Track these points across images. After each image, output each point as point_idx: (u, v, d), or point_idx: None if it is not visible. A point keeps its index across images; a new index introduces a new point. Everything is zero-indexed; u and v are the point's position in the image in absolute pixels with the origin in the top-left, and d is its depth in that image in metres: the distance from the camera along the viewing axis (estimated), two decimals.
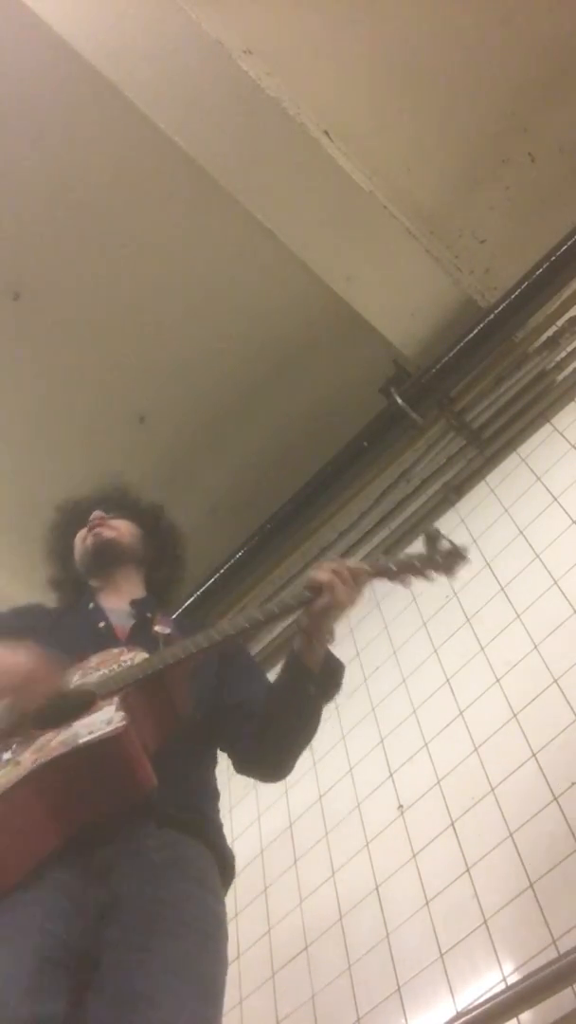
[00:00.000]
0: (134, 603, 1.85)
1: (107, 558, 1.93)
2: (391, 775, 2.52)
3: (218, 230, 2.83)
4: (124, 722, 1.35)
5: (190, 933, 1.35)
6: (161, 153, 2.64)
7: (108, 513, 2.01)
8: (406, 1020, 2.02)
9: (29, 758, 1.34)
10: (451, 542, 1.68)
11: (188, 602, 3.26)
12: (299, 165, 2.72)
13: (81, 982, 1.24)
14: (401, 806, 2.42)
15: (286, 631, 3.38)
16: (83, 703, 1.42)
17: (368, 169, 2.91)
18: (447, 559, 1.66)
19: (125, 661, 1.53)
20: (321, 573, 1.56)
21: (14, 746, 1.38)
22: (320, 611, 1.55)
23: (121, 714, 1.36)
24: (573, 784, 2.00)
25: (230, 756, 1.70)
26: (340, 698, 2.90)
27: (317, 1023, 2.23)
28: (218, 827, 1.59)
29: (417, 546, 1.71)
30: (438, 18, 2.78)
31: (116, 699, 1.40)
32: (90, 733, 1.34)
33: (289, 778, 2.83)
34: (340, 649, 3.08)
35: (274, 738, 1.63)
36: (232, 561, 3.25)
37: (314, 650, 1.59)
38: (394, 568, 1.64)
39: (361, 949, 2.24)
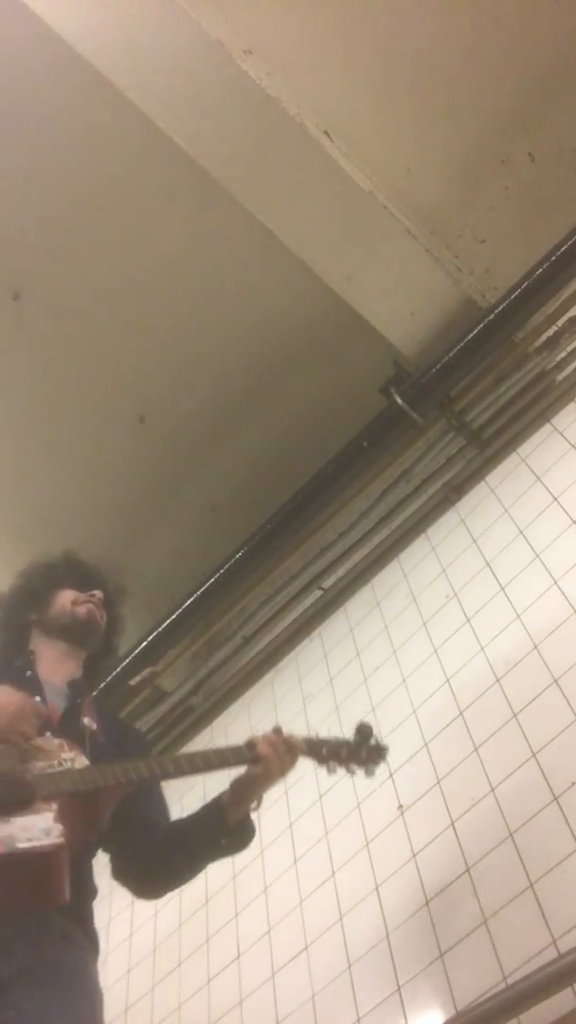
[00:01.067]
0: (72, 684, 1.85)
1: (87, 637, 1.97)
2: (391, 775, 2.52)
3: (218, 230, 2.83)
4: (62, 839, 1.38)
5: (74, 991, 1.41)
6: (161, 153, 2.64)
7: (105, 601, 2.03)
8: (406, 1020, 2.02)
9: None
10: (378, 741, 1.81)
11: (188, 602, 3.27)
12: (299, 165, 2.72)
13: None
14: (401, 806, 2.42)
15: (283, 633, 3.39)
16: (24, 796, 1.44)
17: (368, 169, 2.91)
18: (370, 756, 1.79)
19: (66, 761, 1.54)
20: (263, 745, 1.67)
21: None
22: (254, 779, 1.67)
23: (60, 828, 1.39)
24: (573, 784, 1.99)
25: (112, 863, 1.75)
26: (340, 698, 2.93)
27: (317, 1023, 2.23)
28: (90, 909, 1.63)
29: (348, 732, 1.82)
30: (438, 18, 2.78)
31: (55, 807, 1.43)
32: (28, 840, 1.36)
33: (289, 778, 2.84)
34: (340, 649, 3.11)
35: (165, 868, 1.72)
36: (232, 561, 3.25)
37: (240, 809, 1.69)
38: (324, 753, 1.75)
39: (361, 949, 2.24)
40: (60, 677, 1.85)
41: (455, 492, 3.09)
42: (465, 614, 2.66)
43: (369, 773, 1.79)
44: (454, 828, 2.22)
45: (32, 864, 1.37)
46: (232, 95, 2.61)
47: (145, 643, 3.29)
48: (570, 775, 2.01)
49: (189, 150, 2.63)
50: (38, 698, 1.74)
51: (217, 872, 2.83)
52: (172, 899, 2.80)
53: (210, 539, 3.34)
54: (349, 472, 3.15)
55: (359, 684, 2.88)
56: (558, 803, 2.00)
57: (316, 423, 3.23)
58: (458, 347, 2.94)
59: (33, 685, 1.77)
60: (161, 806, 1.80)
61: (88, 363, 3.12)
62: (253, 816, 1.74)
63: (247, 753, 1.66)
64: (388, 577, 3.15)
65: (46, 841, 1.37)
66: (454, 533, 2.98)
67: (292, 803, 2.79)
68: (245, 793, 1.69)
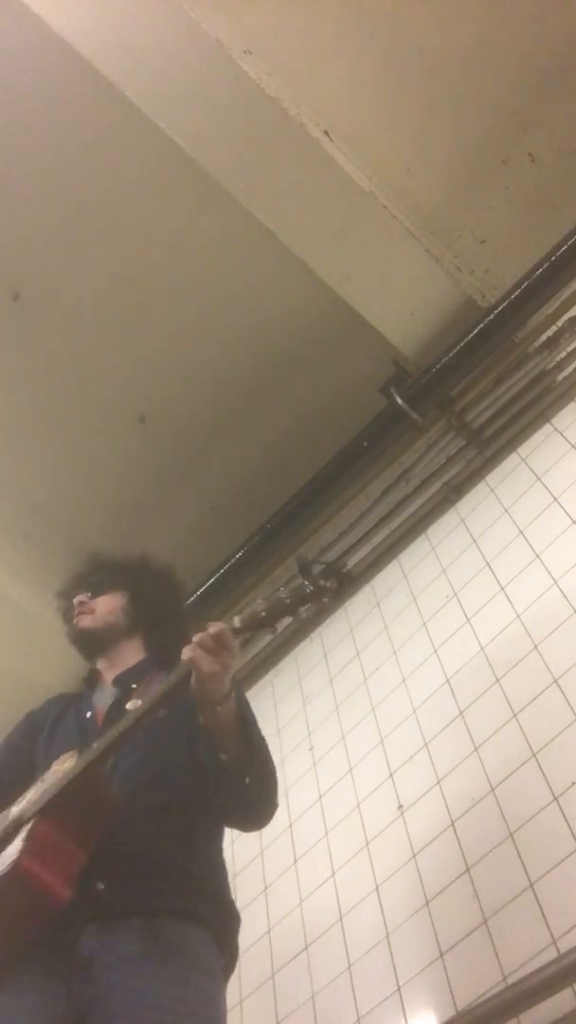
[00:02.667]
0: (117, 679, 1.85)
1: (90, 646, 1.95)
2: (391, 775, 2.52)
3: (218, 230, 2.83)
4: (16, 855, 1.38)
5: (171, 1017, 1.35)
6: (161, 153, 2.64)
7: (91, 593, 1.98)
8: (406, 1020, 2.02)
9: None
10: (323, 563, 1.59)
11: (188, 603, 3.27)
12: (299, 165, 2.72)
13: None
14: (401, 806, 2.42)
15: (283, 632, 3.38)
16: (11, 831, 1.45)
17: (368, 169, 2.91)
18: (319, 586, 1.54)
19: (56, 774, 1.55)
20: (185, 650, 1.53)
21: None
22: (197, 686, 1.51)
23: (19, 845, 1.40)
24: (573, 784, 2.00)
25: (213, 812, 1.69)
26: (340, 698, 2.93)
27: (317, 1023, 2.23)
28: (208, 898, 1.57)
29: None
30: (438, 18, 2.78)
31: (31, 824, 1.43)
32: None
33: (289, 778, 2.85)
34: (340, 649, 3.11)
35: (233, 805, 1.64)
36: (232, 561, 3.25)
37: (216, 719, 1.54)
38: (264, 614, 1.55)
39: (361, 949, 2.24)
40: (109, 677, 1.89)
41: (455, 492, 3.09)
42: (465, 614, 2.66)
43: (321, 605, 1.56)
44: (454, 828, 2.22)
45: (7, 889, 1.38)
46: (232, 95, 2.61)
47: None
48: (570, 775, 2.01)
49: (189, 150, 2.63)
50: (89, 713, 1.79)
51: None
52: None
53: (210, 539, 3.34)
54: (349, 472, 3.15)
55: (359, 684, 2.88)
56: (558, 803, 2.00)
57: (316, 423, 3.23)
58: (458, 347, 2.94)
59: (87, 701, 1.85)
60: (195, 745, 1.68)
61: (88, 363, 3.12)
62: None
63: (183, 668, 1.53)
64: (388, 577, 3.15)
65: (3, 869, 1.39)
66: (454, 533, 2.98)
67: (292, 803, 2.79)
68: (202, 703, 1.54)
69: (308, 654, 3.28)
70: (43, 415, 3.21)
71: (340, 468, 3.14)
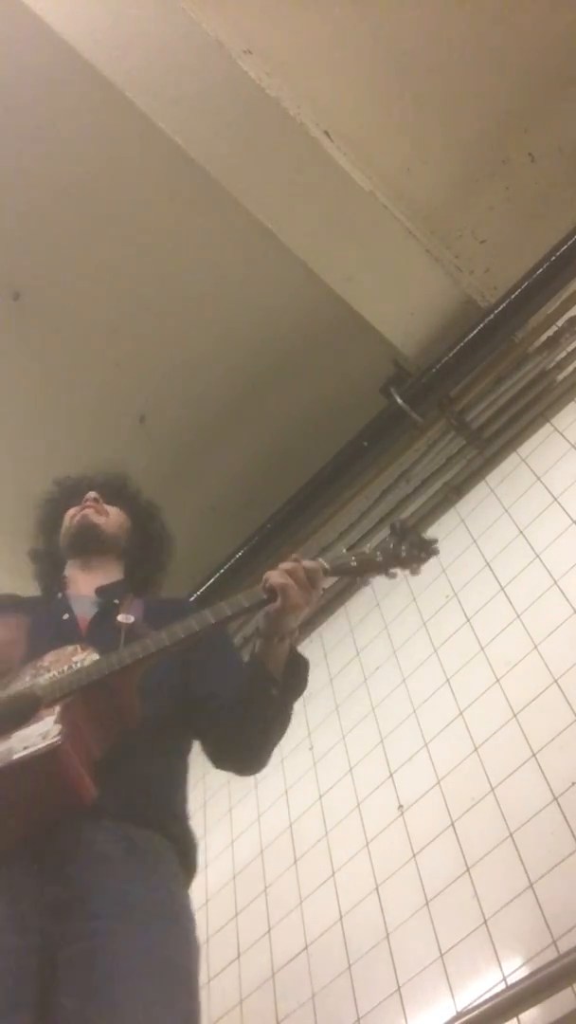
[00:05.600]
0: (100, 590, 1.81)
1: (88, 541, 1.91)
2: (391, 775, 2.52)
3: (218, 230, 2.83)
4: (59, 737, 1.31)
5: (152, 920, 1.33)
6: (161, 153, 2.64)
7: (104, 498, 1.99)
8: (406, 1020, 2.02)
9: None
10: (419, 535, 1.58)
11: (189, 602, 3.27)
12: (299, 165, 2.72)
13: (44, 980, 1.23)
14: (401, 806, 2.42)
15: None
16: (26, 709, 1.39)
17: (368, 169, 2.91)
18: (412, 552, 1.55)
19: (76, 662, 1.49)
20: (275, 575, 1.50)
21: None
22: (275, 614, 1.50)
23: (58, 727, 1.33)
24: (573, 784, 2.00)
25: (205, 750, 1.67)
26: (340, 698, 2.93)
27: (317, 1023, 2.23)
28: (177, 816, 1.56)
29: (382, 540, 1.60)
30: (438, 18, 2.78)
31: (57, 709, 1.37)
32: (24, 748, 1.31)
33: (289, 778, 2.85)
34: (340, 649, 3.11)
35: (242, 738, 1.60)
36: (232, 561, 3.25)
37: (274, 652, 1.54)
38: (354, 564, 1.55)
39: (361, 949, 2.24)
40: (89, 588, 1.83)
41: (455, 492, 3.09)
42: (465, 614, 2.66)
43: (414, 572, 1.55)
44: (454, 828, 2.22)
45: (34, 770, 1.31)
46: (232, 95, 2.61)
47: None
48: (570, 775, 2.01)
49: (189, 150, 2.63)
50: (67, 615, 1.73)
51: (217, 872, 2.84)
52: None
53: (210, 539, 3.34)
54: (349, 472, 3.15)
55: (359, 684, 2.88)
56: (558, 803, 2.00)
57: (316, 423, 3.23)
58: (458, 347, 2.94)
59: (62, 604, 1.78)
60: (223, 673, 1.68)
61: (88, 363, 3.12)
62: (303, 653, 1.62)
63: (262, 592, 1.50)
64: None
65: (42, 744, 1.31)
66: (454, 533, 2.98)
67: (292, 803, 2.80)
68: (272, 634, 1.53)
69: (308, 654, 3.26)
70: (43, 415, 3.21)
71: (340, 468, 3.14)
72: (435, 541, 1.58)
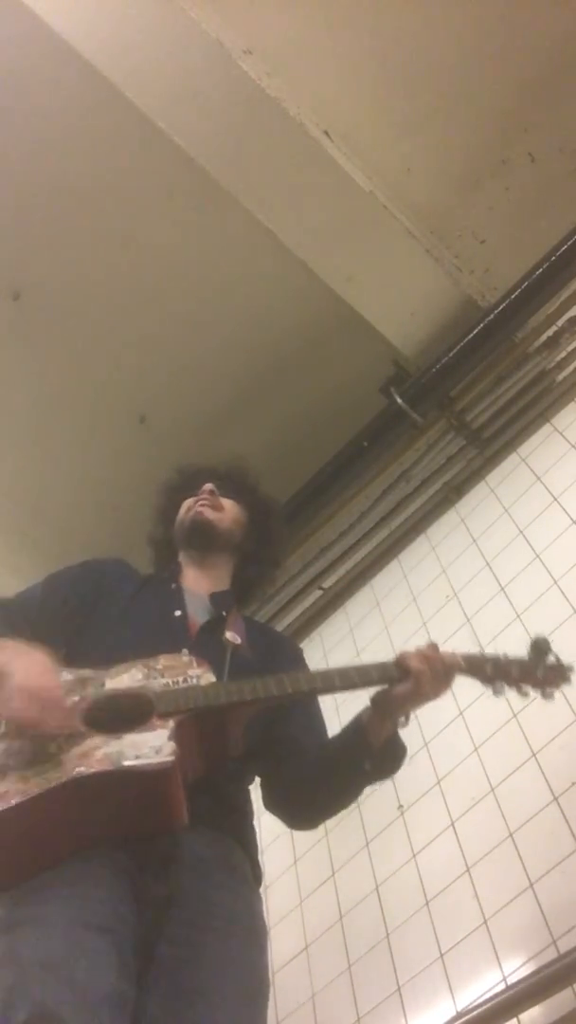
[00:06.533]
0: (214, 596, 1.77)
1: (202, 538, 1.85)
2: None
3: (218, 230, 2.83)
4: (173, 757, 1.28)
5: (239, 930, 1.35)
6: (161, 153, 2.64)
7: (221, 491, 1.92)
8: (406, 1020, 2.02)
9: (73, 761, 1.29)
10: (558, 658, 1.51)
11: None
12: (299, 165, 2.72)
13: (138, 972, 1.23)
14: (401, 806, 2.42)
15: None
16: (140, 712, 1.36)
17: (368, 169, 2.91)
18: (548, 676, 1.50)
19: (192, 677, 1.45)
20: (414, 659, 1.46)
21: (60, 738, 1.32)
22: (402, 697, 1.47)
23: (172, 746, 1.30)
24: (573, 784, 2.00)
25: (262, 788, 1.64)
26: (340, 697, 2.92)
27: (317, 1023, 2.23)
28: (253, 838, 1.57)
29: (521, 653, 1.55)
30: (438, 18, 2.78)
31: (172, 724, 1.34)
32: (136, 757, 1.28)
33: None
34: (340, 649, 3.10)
35: (312, 795, 1.59)
36: None
37: (381, 728, 1.51)
38: (489, 672, 1.50)
39: (361, 949, 2.24)
40: (203, 588, 1.78)
41: (455, 492, 3.09)
42: (465, 614, 2.66)
43: (547, 696, 1.50)
44: (454, 828, 2.22)
45: (138, 783, 1.28)
46: (232, 95, 2.61)
47: None
48: (570, 775, 2.01)
49: (189, 150, 2.63)
50: (179, 612, 1.69)
51: None
52: None
53: None
54: (349, 472, 3.15)
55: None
56: (558, 803, 2.00)
57: (316, 423, 3.23)
58: (458, 347, 2.94)
59: (176, 596, 1.73)
60: (316, 729, 1.66)
61: (88, 363, 3.12)
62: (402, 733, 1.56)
63: (394, 670, 1.47)
64: (388, 577, 3.15)
65: (154, 760, 1.27)
66: (454, 533, 2.98)
67: None
68: (389, 711, 1.48)
69: (308, 654, 3.24)
70: (43, 415, 3.21)
71: (340, 468, 3.14)
72: (572, 668, 1.52)
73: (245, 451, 3.31)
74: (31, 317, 2.98)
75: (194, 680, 1.45)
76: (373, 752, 1.50)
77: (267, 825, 2.82)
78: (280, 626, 3.37)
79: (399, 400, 2.99)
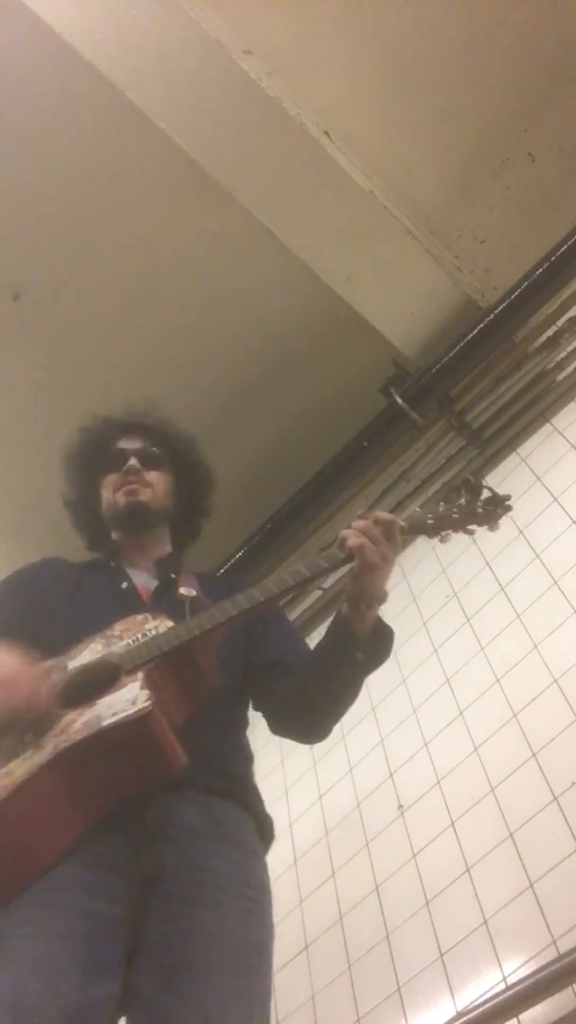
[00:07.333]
0: (159, 562, 1.76)
1: (139, 521, 1.79)
2: (391, 775, 2.52)
3: (218, 230, 2.83)
4: (148, 702, 1.27)
5: (234, 900, 1.32)
6: (161, 153, 2.64)
7: (145, 464, 1.84)
8: (406, 1020, 2.02)
9: (52, 743, 1.28)
10: (492, 490, 1.55)
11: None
12: (299, 165, 2.72)
13: (128, 952, 1.22)
14: (401, 806, 2.42)
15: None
16: (107, 678, 1.35)
17: (368, 169, 2.91)
18: (487, 508, 1.54)
19: (150, 629, 1.45)
20: (350, 535, 1.46)
21: (29, 735, 1.31)
22: (358, 575, 1.45)
23: (146, 693, 1.29)
24: (573, 784, 2.00)
25: (265, 716, 1.62)
26: None
27: (317, 1023, 2.23)
28: (254, 789, 1.54)
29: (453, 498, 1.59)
30: (438, 18, 2.78)
31: (141, 675, 1.33)
32: (113, 715, 1.28)
33: (289, 778, 2.85)
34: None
35: (315, 701, 1.55)
36: (232, 561, 3.25)
37: (361, 614, 1.48)
38: (431, 521, 1.53)
39: (361, 949, 2.24)
40: (147, 558, 1.77)
41: (455, 492, 3.09)
42: (465, 614, 2.66)
43: (492, 528, 1.54)
44: (454, 828, 2.22)
45: (122, 737, 1.27)
46: (232, 95, 2.61)
47: None
48: (570, 775, 2.01)
49: (189, 150, 2.63)
50: (125, 584, 1.67)
51: None
52: None
53: (210, 539, 3.33)
54: (349, 472, 3.15)
55: None
56: (558, 803, 2.00)
57: (316, 423, 3.23)
58: (458, 347, 2.94)
59: (120, 572, 1.72)
60: (295, 643, 1.66)
61: (88, 363, 3.12)
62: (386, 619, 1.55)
63: (339, 552, 1.46)
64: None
65: (132, 710, 1.27)
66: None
67: (292, 802, 2.79)
68: (357, 595, 1.47)
69: None
70: (42, 415, 3.20)
71: (340, 468, 3.14)
72: (508, 497, 1.55)
73: (245, 451, 3.35)
74: (31, 317, 2.98)
75: (152, 632, 1.44)
76: (362, 642, 1.49)
77: None
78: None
79: (399, 400, 2.99)
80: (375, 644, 1.52)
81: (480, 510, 1.54)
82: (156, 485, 1.84)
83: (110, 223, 2.83)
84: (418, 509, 1.56)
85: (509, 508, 1.56)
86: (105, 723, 1.27)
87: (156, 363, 3.15)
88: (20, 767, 1.26)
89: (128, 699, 1.30)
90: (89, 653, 1.45)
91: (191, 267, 2.94)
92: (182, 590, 1.61)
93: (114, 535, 1.84)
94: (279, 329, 3.05)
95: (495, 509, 1.55)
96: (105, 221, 2.82)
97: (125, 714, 1.27)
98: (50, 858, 1.25)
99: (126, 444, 1.89)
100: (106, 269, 2.91)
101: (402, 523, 1.51)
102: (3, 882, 1.24)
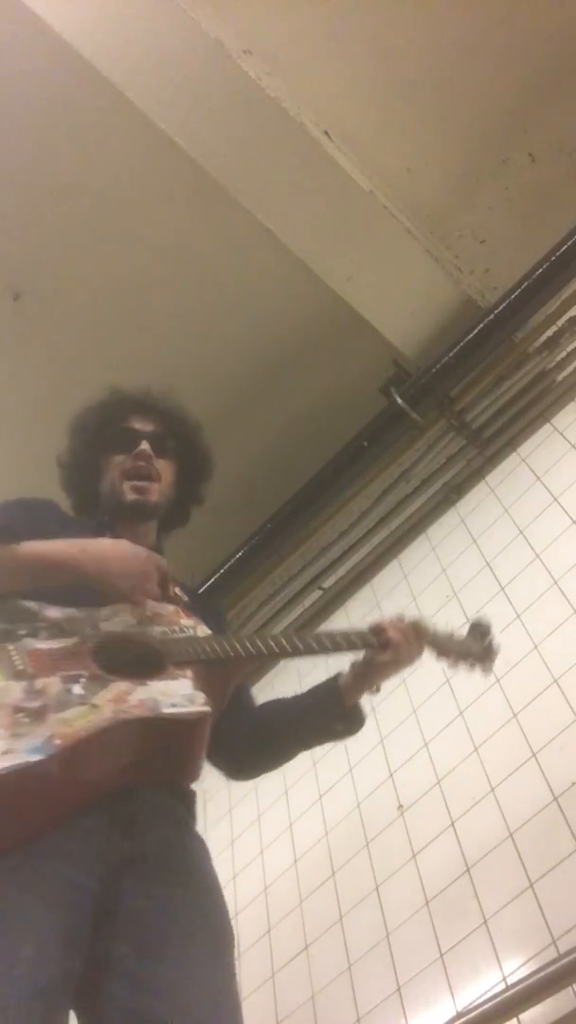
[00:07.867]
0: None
1: (140, 515, 1.75)
2: (391, 775, 2.52)
3: (218, 230, 2.83)
4: (208, 708, 1.28)
5: (201, 881, 1.35)
6: (161, 153, 2.64)
7: (157, 451, 1.78)
8: (406, 1020, 2.02)
9: (108, 706, 1.23)
10: (492, 641, 1.74)
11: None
12: (299, 165, 2.72)
13: (94, 930, 1.22)
14: (401, 806, 2.42)
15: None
16: (152, 660, 1.34)
17: (368, 169, 2.91)
18: (484, 656, 1.72)
19: (186, 628, 1.44)
20: (392, 630, 1.57)
21: (83, 680, 1.26)
22: (383, 665, 1.57)
23: (203, 696, 1.29)
24: (573, 784, 2.00)
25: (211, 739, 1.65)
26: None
27: (317, 1023, 2.23)
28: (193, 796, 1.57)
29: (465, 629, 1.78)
30: (438, 18, 2.78)
31: (190, 674, 1.33)
32: (172, 706, 1.26)
33: (289, 778, 2.85)
34: None
35: (270, 752, 1.65)
36: (232, 561, 3.25)
37: (359, 693, 1.61)
38: (452, 647, 1.68)
39: (361, 949, 2.24)
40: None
41: (455, 492, 3.09)
42: (465, 614, 2.66)
43: (487, 671, 1.73)
44: (454, 828, 2.22)
45: (174, 731, 1.27)
46: (232, 95, 2.61)
47: None
48: (570, 775, 2.01)
49: (189, 150, 2.63)
50: None
51: (217, 871, 2.84)
52: None
53: (210, 539, 3.34)
54: (349, 472, 3.15)
55: None
56: (558, 803, 2.00)
57: (316, 423, 3.23)
58: (458, 347, 2.94)
59: None
60: (250, 694, 1.73)
61: (88, 363, 3.12)
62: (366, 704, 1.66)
63: (372, 638, 1.57)
64: (388, 577, 3.15)
65: (191, 709, 1.26)
66: (454, 533, 2.98)
67: (292, 803, 2.79)
68: (367, 678, 1.59)
69: None
70: (42, 415, 3.20)
71: (340, 468, 3.14)
72: (499, 647, 1.77)
73: (245, 451, 3.35)
74: (31, 317, 2.98)
75: (189, 631, 1.45)
76: (346, 714, 1.61)
77: (267, 825, 2.84)
78: (280, 626, 3.38)
79: (399, 400, 2.99)
80: (352, 719, 1.63)
81: (481, 653, 1.73)
82: (163, 476, 1.79)
83: (110, 223, 2.83)
84: (449, 633, 1.70)
85: (494, 660, 1.75)
86: (165, 711, 1.25)
87: (156, 363, 3.14)
88: (78, 719, 1.21)
89: (184, 695, 1.29)
90: (121, 622, 1.41)
91: (191, 267, 2.94)
92: (177, 590, 1.62)
93: (107, 516, 1.78)
94: (279, 329, 3.06)
95: (489, 660, 1.74)
96: (105, 221, 2.82)
97: (186, 710, 1.27)
98: (56, 821, 1.23)
99: (140, 425, 1.83)
100: (106, 269, 2.91)
101: (430, 637, 1.64)
102: (20, 828, 1.21)
